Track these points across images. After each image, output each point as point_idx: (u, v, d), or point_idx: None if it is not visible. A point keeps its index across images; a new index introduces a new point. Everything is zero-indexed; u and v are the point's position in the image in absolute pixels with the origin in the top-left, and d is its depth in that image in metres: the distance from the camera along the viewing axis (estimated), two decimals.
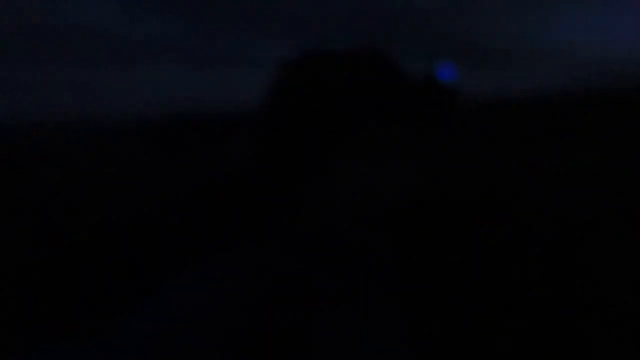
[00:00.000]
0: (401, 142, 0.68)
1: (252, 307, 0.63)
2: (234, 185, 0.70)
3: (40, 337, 0.66)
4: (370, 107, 0.66)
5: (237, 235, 0.69)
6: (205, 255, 0.67)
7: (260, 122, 0.69)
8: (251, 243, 0.69)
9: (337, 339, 0.68)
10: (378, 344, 0.71)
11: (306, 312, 0.66)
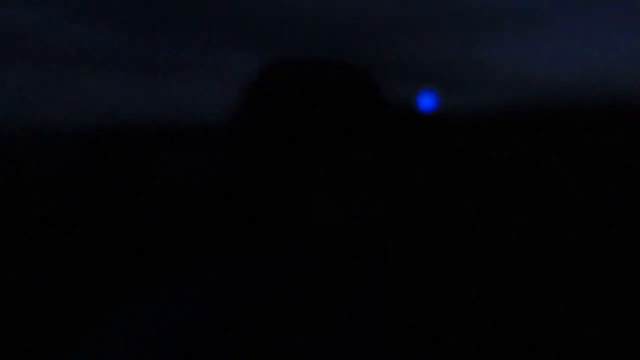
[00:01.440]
0: (378, 169, 0.65)
1: (221, 329, 0.60)
2: (204, 200, 0.67)
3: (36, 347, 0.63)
4: (351, 128, 0.63)
5: (207, 253, 0.66)
6: (174, 273, 0.64)
7: (233, 135, 0.66)
8: (219, 261, 0.66)
9: (313, 348, 0.65)
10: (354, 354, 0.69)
11: (276, 334, 0.64)
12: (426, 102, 0.66)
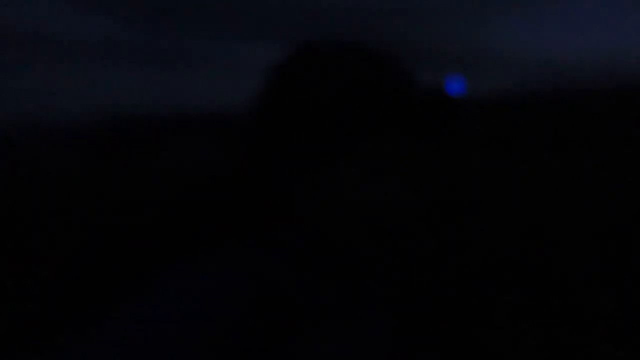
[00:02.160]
0: (399, 154, 0.65)
1: (239, 313, 0.61)
2: (223, 184, 0.67)
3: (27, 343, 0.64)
4: (375, 113, 0.62)
5: (224, 236, 0.66)
6: (192, 256, 0.64)
7: (251, 123, 0.65)
8: (238, 245, 0.65)
9: (324, 348, 0.65)
10: (366, 354, 0.69)
11: (293, 320, 0.63)
12: (455, 86, 0.66)
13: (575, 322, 3.13)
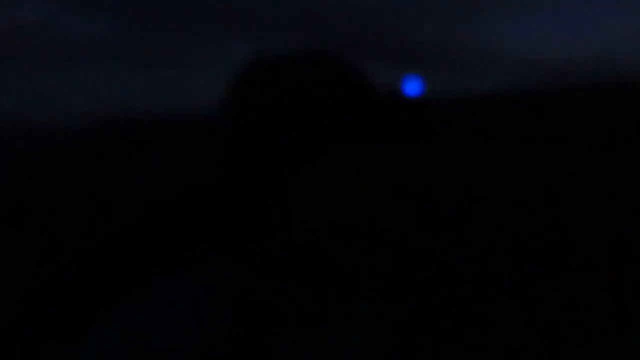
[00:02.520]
0: (368, 160, 0.66)
1: (218, 324, 0.61)
2: (198, 194, 0.68)
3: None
4: (336, 117, 0.63)
5: (201, 248, 0.67)
6: (170, 268, 0.65)
7: (221, 128, 0.67)
8: (216, 257, 0.67)
9: (307, 353, 0.66)
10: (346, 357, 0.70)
11: (273, 329, 0.64)
12: (411, 87, 0.67)
13: (573, 323, 3.12)
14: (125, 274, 0.66)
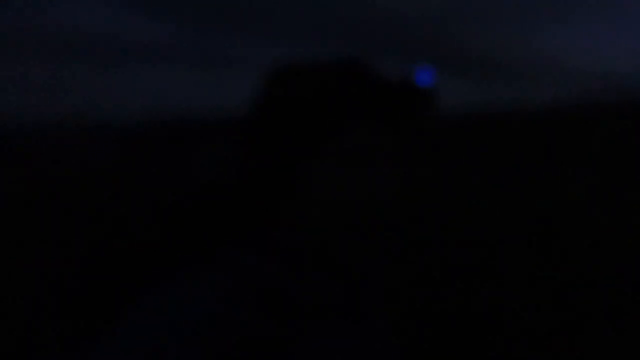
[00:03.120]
0: (380, 149, 0.68)
1: (241, 317, 0.63)
2: (221, 189, 0.72)
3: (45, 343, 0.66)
4: (350, 112, 0.67)
5: (223, 241, 0.70)
6: (192, 262, 0.68)
7: (246, 127, 0.71)
8: (237, 250, 0.69)
9: (325, 349, 0.68)
10: (365, 353, 0.72)
11: (294, 322, 0.66)
12: (424, 77, 0.69)
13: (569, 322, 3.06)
14: (148, 271, 0.68)
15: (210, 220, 0.70)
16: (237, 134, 0.72)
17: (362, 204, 0.67)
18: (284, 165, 0.68)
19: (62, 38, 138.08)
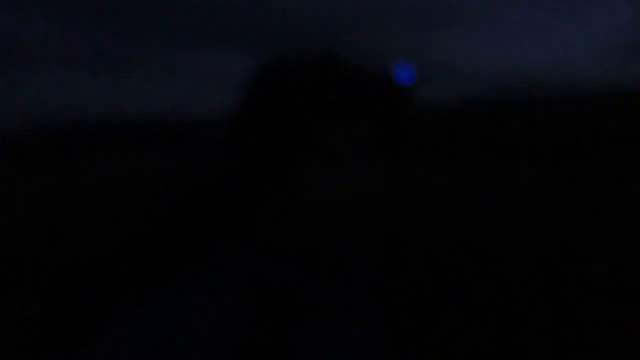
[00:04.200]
0: (363, 146, 0.68)
1: (243, 317, 0.63)
2: (210, 190, 0.71)
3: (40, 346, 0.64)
4: (333, 110, 0.67)
5: (215, 240, 0.69)
6: (187, 263, 0.67)
7: (234, 128, 0.70)
8: (231, 250, 0.69)
9: (323, 346, 0.68)
10: (360, 350, 0.72)
11: (293, 320, 0.67)
12: (403, 74, 0.69)
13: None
14: (142, 274, 0.67)
15: (199, 221, 0.69)
16: (222, 136, 0.71)
17: (347, 201, 0.67)
18: (269, 165, 0.68)
19: None
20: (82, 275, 0.68)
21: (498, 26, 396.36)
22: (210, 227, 0.70)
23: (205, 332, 0.61)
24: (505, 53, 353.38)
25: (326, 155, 0.67)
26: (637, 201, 6.05)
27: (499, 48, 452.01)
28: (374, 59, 0.69)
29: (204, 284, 0.65)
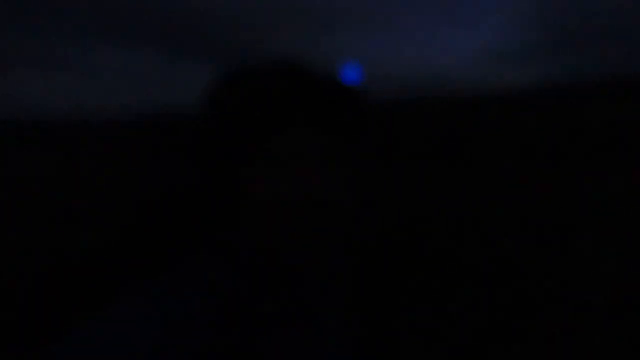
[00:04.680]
0: (322, 148, 0.68)
1: (203, 327, 0.64)
2: (174, 198, 0.72)
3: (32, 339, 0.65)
4: (293, 113, 0.67)
5: (177, 250, 0.70)
6: (150, 272, 0.67)
7: (196, 131, 0.71)
8: (193, 260, 0.69)
9: (286, 355, 0.69)
10: (321, 352, 0.73)
11: (255, 330, 0.67)
12: (350, 74, 0.69)
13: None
14: (109, 277, 0.68)
15: (165, 225, 0.70)
16: (186, 138, 0.72)
17: (306, 204, 0.67)
18: (230, 168, 0.68)
19: None
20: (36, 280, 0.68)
21: (393, 28, 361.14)
22: (178, 231, 0.70)
23: (164, 339, 0.61)
24: (397, 54, 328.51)
25: (286, 159, 0.67)
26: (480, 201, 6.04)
27: (392, 49, 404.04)
28: (322, 61, 0.69)
29: (164, 290, 0.65)
